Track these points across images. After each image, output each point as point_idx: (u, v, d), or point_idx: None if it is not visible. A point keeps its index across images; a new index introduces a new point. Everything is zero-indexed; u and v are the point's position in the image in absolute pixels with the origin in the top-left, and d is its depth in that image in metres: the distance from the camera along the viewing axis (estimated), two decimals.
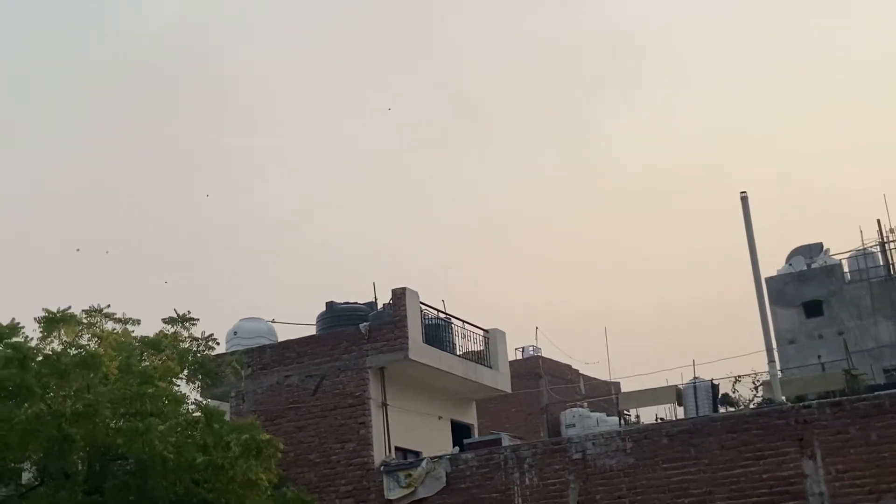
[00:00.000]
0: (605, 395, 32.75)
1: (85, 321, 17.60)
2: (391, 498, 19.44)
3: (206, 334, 18.94)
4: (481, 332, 23.42)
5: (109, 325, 18.04)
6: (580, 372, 38.06)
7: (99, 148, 69.22)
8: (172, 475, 15.88)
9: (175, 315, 18.70)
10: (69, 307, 17.08)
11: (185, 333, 18.71)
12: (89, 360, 15.94)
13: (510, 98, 75.97)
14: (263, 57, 74.93)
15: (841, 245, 35.02)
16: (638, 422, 26.30)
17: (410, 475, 19.39)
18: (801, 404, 17.43)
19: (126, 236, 65.11)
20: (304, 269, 65.70)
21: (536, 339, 37.67)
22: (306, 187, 73.36)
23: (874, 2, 64.81)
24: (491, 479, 18.82)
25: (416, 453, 20.56)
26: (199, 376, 18.73)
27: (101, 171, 69.75)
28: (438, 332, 21.80)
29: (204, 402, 18.51)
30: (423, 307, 21.22)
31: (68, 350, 16.44)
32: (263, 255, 67.03)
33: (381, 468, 19.78)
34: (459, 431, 22.81)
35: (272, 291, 58.98)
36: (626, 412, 27.38)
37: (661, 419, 24.92)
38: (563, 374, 37.65)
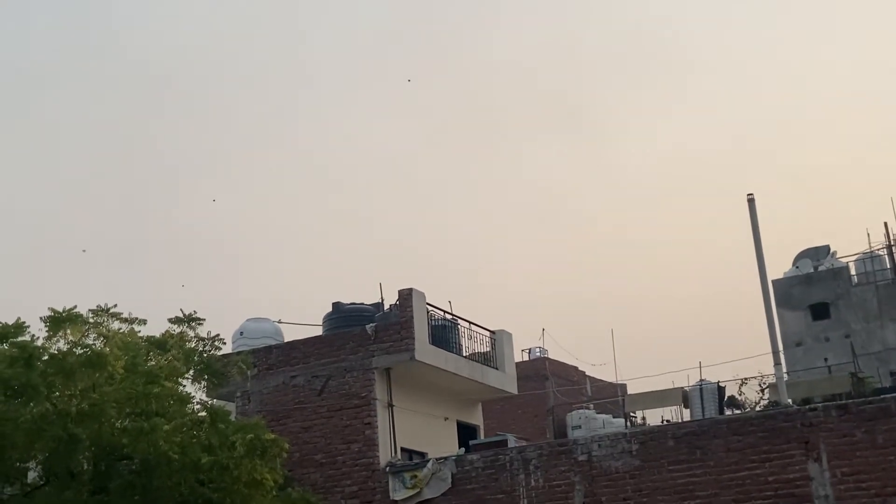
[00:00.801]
0: (611, 397, 32.78)
1: (91, 321, 17.52)
2: (397, 499, 19.42)
3: (213, 334, 18.95)
4: (488, 334, 23.40)
5: (115, 325, 17.98)
6: (586, 374, 37.95)
7: (109, 151, 69.44)
8: (177, 475, 15.83)
9: (181, 315, 18.72)
10: (75, 306, 16.99)
11: (192, 333, 18.72)
12: (95, 360, 15.89)
13: (519, 99, 76.05)
14: (272, 58, 75.08)
15: (848, 248, 35.16)
16: (644, 424, 26.29)
17: (416, 476, 19.37)
18: (806, 407, 17.36)
19: (134, 237, 65.29)
20: (311, 270, 65.86)
21: (543, 340, 37.69)
22: (314, 188, 73.49)
23: (888, 2, 64.64)
24: (496, 481, 18.79)
25: (422, 454, 20.51)
26: (205, 376, 18.70)
27: (111, 174, 69.93)
28: (445, 333, 21.77)
29: (209, 402, 18.51)
30: (430, 308, 21.19)
31: (74, 349, 16.38)
32: (270, 256, 67.15)
33: (387, 469, 19.77)
34: (465, 432, 22.77)
35: (279, 292, 59.11)
36: (632, 414, 27.40)
37: (667, 421, 24.92)
38: (569, 376, 37.56)
